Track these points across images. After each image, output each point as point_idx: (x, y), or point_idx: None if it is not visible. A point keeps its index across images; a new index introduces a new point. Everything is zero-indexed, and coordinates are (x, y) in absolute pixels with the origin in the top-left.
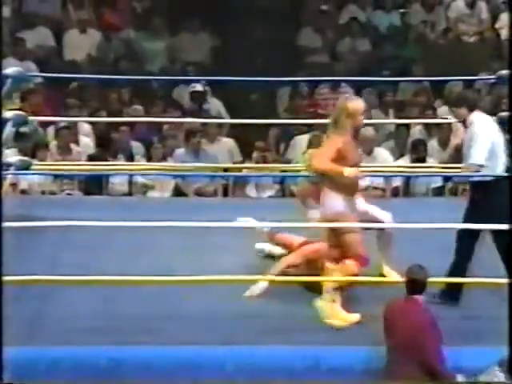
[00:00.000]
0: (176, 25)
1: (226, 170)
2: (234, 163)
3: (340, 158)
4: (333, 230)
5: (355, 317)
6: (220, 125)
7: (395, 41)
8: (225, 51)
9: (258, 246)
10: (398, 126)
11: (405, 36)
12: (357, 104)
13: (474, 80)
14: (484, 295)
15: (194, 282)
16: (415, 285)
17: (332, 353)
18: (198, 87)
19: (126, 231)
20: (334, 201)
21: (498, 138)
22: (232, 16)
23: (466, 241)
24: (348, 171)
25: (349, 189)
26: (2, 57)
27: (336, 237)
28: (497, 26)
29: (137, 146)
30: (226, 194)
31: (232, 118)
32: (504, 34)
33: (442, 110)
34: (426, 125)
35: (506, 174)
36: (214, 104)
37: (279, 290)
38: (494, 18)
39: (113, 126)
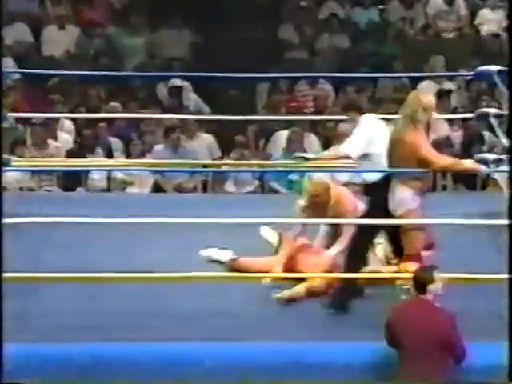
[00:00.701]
0: (155, 21)
1: (205, 165)
2: (213, 159)
3: None
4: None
5: None
6: (199, 121)
7: (374, 37)
8: (204, 47)
9: (204, 252)
10: None
11: (384, 32)
12: (430, 97)
13: (453, 76)
14: (468, 291)
15: (177, 279)
16: (416, 284)
17: (313, 349)
18: (177, 82)
19: (108, 227)
20: (407, 197)
21: (381, 139)
22: (212, 12)
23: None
24: (469, 164)
25: (424, 185)
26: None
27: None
28: (476, 22)
29: (115, 142)
30: (205, 189)
31: (211, 113)
32: (483, 30)
33: None
34: None
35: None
36: (194, 100)
37: (260, 287)
38: (473, 14)
39: (92, 122)
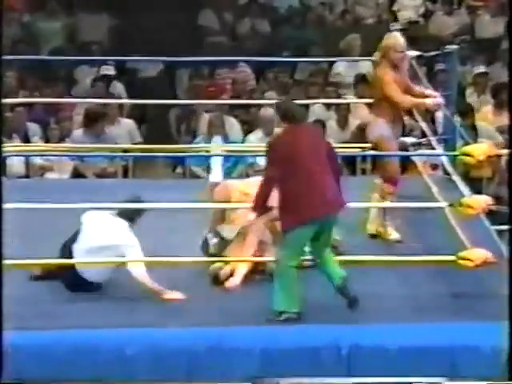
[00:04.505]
0: (73, 4)
1: (125, 150)
2: (134, 144)
3: None
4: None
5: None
6: (120, 106)
7: (294, 22)
8: (124, 31)
9: None
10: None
11: (304, 17)
12: (398, 38)
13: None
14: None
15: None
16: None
17: (233, 333)
18: (109, 70)
19: (26, 213)
20: (380, 125)
21: None
22: None
23: None
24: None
25: (394, 115)
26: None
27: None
28: (394, 8)
29: (33, 128)
30: (126, 175)
31: (132, 98)
32: (401, 16)
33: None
34: (327, 105)
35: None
36: (117, 87)
37: (181, 272)
38: (391, 0)
39: (8, 106)
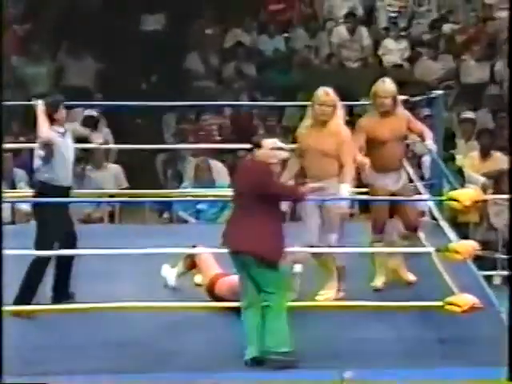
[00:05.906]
0: (59, 49)
1: (111, 196)
2: (120, 189)
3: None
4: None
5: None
6: (107, 151)
7: (280, 65)
8: (110, 75)
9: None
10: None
11: (289, 61)
12: (379, 85)
13: (357, 105)
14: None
15: (86, 310)
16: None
17: (224, 377)
18: (92, 112)
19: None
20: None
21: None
22: (117, 40)
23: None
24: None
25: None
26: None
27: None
28: (379, 52)
29: (19, 174)
30: (112, 220)
31: (118, 143)
32: (386, 59)
33: None
34: None
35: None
36: (103, 131)
37: (166, 316)
38: (376, 43)
39: None
